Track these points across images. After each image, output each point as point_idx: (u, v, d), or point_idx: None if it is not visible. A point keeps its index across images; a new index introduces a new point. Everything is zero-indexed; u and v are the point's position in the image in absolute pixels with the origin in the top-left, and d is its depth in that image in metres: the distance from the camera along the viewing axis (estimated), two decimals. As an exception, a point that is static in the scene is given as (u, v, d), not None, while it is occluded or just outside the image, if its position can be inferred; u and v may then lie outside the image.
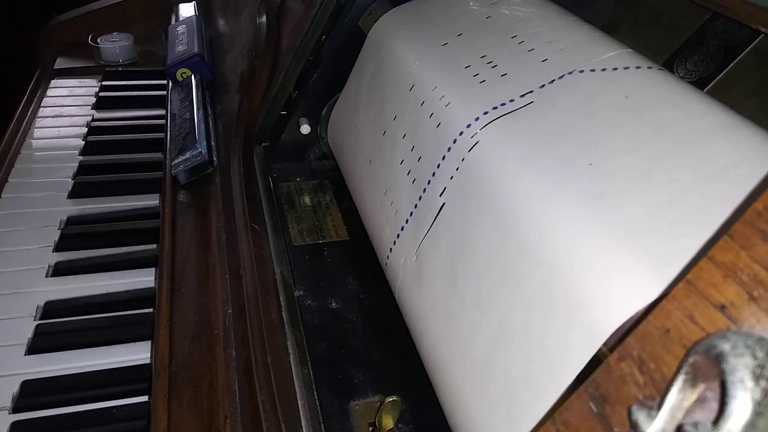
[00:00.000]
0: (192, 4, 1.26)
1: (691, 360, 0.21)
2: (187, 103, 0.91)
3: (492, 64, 0.51)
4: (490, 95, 0.48)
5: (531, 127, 0.43)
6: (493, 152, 0.43)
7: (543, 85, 0.46)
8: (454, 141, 0.47)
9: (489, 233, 0.41)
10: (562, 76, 0.46)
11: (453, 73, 0.52)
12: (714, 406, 0.21)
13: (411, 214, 0.51)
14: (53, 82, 1.22)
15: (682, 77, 0.53)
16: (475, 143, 0.45)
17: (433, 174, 0.49)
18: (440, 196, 0.47)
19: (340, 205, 0.77)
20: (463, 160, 0.45)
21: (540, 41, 0.51)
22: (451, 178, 0.46)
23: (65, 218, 0.85)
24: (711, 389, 0.21)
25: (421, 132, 0.52)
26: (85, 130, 1.07)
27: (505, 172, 0.41)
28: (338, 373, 0.56)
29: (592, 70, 0.45)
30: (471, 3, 0.60)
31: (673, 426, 0.22)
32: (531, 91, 0.46)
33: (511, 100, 0.46)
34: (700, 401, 0.21)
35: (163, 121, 1.07)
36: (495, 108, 0.46)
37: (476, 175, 0.43)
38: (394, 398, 0.48)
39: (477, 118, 0.46)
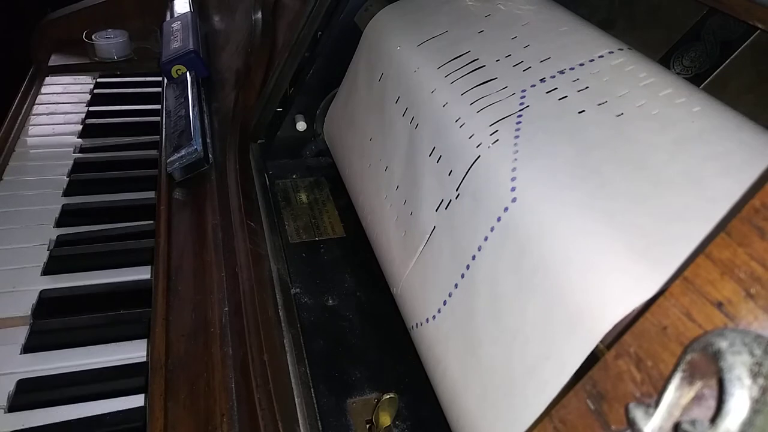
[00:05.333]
0: (187, 0, 1.25)
1: (688, 357, 0.21)
2: (183, 99, 0.91)
3: (489, 64, 0.51)
4: (486, 93, 0.47)
5: (527, 126, 0.43)
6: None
7: (534, 84, 0.46)
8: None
9: (487, 233, 0.41)
10: (554, 76, 0.46)
11: (449, 71, 0.52)
12: (711, 403, 0.21)
13: (411, 213, 0.51)
14: (48, 79, 1.21)
15: (678, 73, 0.53)
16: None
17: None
18: (439, 197, 0.47)
19: (337, 202, 0.77)
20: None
21: (537, 41, 0.51)
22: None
23: (59, 216, 0.85)
24: (708, 387, 0.21)
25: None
26: (80, 127, 1.06)
27: (503, 172, 0.41)
28: (335, 370, 0.56)
29: (581, 65, 0.45)
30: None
31: (670, 423, 0.22)
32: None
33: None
34: (698, 399, 0.21)
35: (158, 118, 1.06)
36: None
37: (475, 177, 0.43)
38: (391, 395, 0.47)
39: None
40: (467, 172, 0.45)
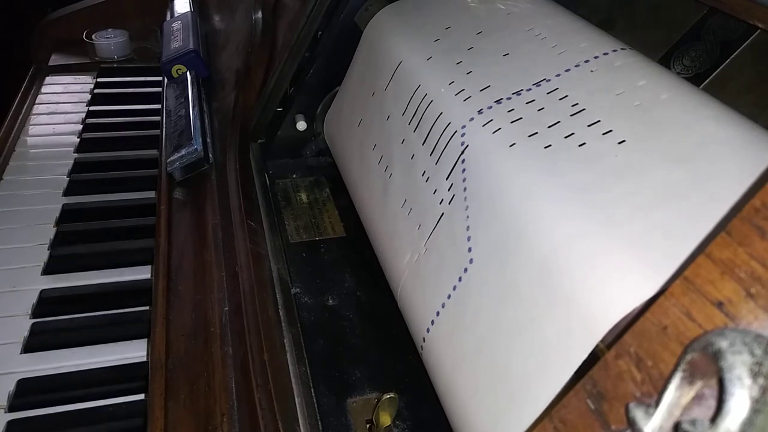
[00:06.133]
0: (187, 0, 1.25)
1: (688, 357, 0.21)
2: (183, 99, 0.91)
3: (489, 63, 0.51)
4: (486, 92, 0.47)
5: (526, 126, 0.43)
6: (491, 151, 0.43)
7: (538, 83, 0.46)
8: (449, 140, 0.46)
9: (486, 230, 0.41)
10: (550, 80, 0.46)
11: (449, 70, 0.52)
12: (712, 403, 0.21)
13: (410, 211, 0.51)
14: (48, 79, 1.21)
15: (678, 73, 0.53)
16: (472, 143, 0.44)
17: (430, 174, 0.48)
18: (438, 195, 0.47)
19: (337, 202, 0.77)
20: (459, 159, 0.45)
21: (536, 39, 0.51)
22: (448, 177, 0.46)
23: (60, 215, 0.85)
24: (709, 386, 0.21)
25: (417, 130, 0.52)
26: (80, 127, 1.06)
27: (502, 170, 0.41)
28: (335, 370, 0.56)
29: (518, 93, 0.46)
30: (467, -1, 0.60)
31: (670, 423, 0.22)
32: (525, 90, 0.46)
33: (508, 98, 0.46)
34: (698, 398, 0.21)
35: (158, 118, 1.06)
36: (490, 108, 0.46)
37: (474, 174, 0.43)
38: (392, 395, 0.47)
39: (472, 119, 0.46)
40: (433, 230, 0.46)
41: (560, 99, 0.44)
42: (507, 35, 0.53)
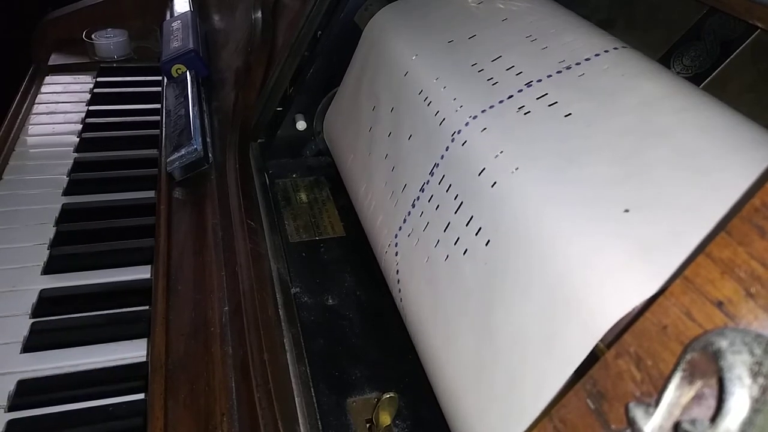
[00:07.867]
0: (187, -1, 1.25)
1: (688, 357, 0.21)
2: (182, 99, 0.91)
3: (488, 62, 0.51)
4: (484, 93, 0.47)
5: (526, 124, 0.43)
6: (489, 149, 0.43)
7: (531, 83, 0.46)
8: (451, 140, 0.47)
9: (486, 230, 0.41)
10: (551, 76, 0.46)
11: (448, 70, 0.52)
12: (711, 403, 0.21)
13: (409, 213, 0.51)
14: (47, 79, 1.21)
15: (678, 73, 0.53)
16: (471, 140, 0.44)
17: (430, 172, 0.48)
18: (436, 193, 0.47)
19: (337, 202, 0.77)
20: (458, 157, 0.45)
21: (539, 37, 0.51)
22: (447, 175, 0.46)
23: (59, 215, 0.85)
24: (708, 386, 0.21)
25: (416, 129, 0.52)
26: (80, 126, 1.06)
27: (501, 168, 0.41)
28: (335, 370, 0.56)
29: (583, 61, 0.46)
30: (467, -2, 0.60)
31: (670, 423, 0.22)
32: (525, 87, 0.46)
33: (509, 97, 0.46)
34: (698, 398, 0.21)
35: (158, 118, 1.06)
36: (490, 107, 0.46)
37: (472, 172, 0.43)
38: (392, 395, 0.47)
39: (471, 119, 0.46)
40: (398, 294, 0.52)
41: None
42: (503, 37, 0.53)
